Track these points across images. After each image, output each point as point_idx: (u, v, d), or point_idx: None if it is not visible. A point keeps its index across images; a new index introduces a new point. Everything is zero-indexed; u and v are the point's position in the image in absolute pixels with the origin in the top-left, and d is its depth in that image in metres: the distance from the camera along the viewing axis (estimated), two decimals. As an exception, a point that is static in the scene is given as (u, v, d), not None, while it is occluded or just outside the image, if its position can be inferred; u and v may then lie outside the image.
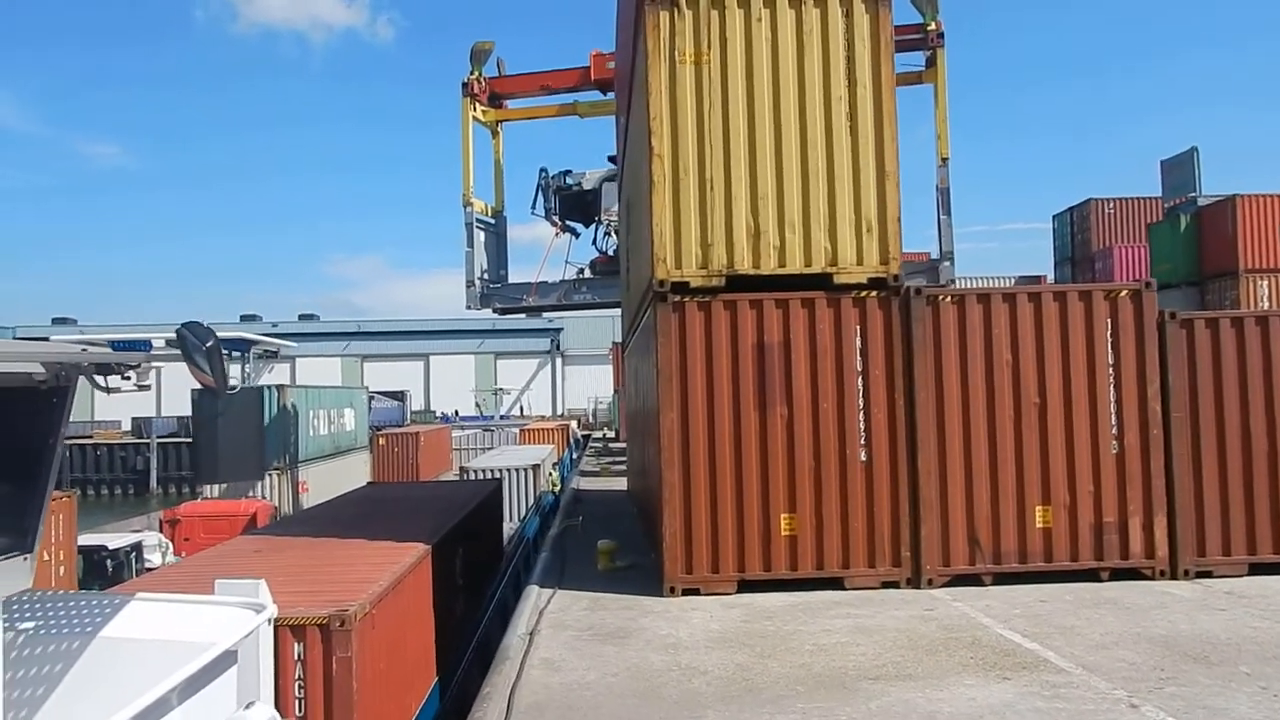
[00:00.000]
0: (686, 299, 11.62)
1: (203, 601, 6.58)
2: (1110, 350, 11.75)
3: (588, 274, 33.28)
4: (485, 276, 32.09)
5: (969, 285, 36.11)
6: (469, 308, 33.09)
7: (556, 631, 10.19)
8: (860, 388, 11.65)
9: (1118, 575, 11.60)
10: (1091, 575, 11.62)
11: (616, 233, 31.32)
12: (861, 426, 11.63)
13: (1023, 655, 8.81)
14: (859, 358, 11.67)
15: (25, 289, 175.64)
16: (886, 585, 11.51)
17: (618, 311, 31.30)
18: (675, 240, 11.65)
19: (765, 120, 11.69)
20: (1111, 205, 40.53)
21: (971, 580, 11.61)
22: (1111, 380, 11.73)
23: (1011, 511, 11.64)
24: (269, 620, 6.56)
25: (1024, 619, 10.10)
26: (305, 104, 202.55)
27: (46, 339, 7.29)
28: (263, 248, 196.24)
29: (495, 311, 34.92)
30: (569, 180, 33.26)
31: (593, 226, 33.37)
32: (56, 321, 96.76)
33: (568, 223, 33.78)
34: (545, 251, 34.13)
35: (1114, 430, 11.72)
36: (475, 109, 31.90)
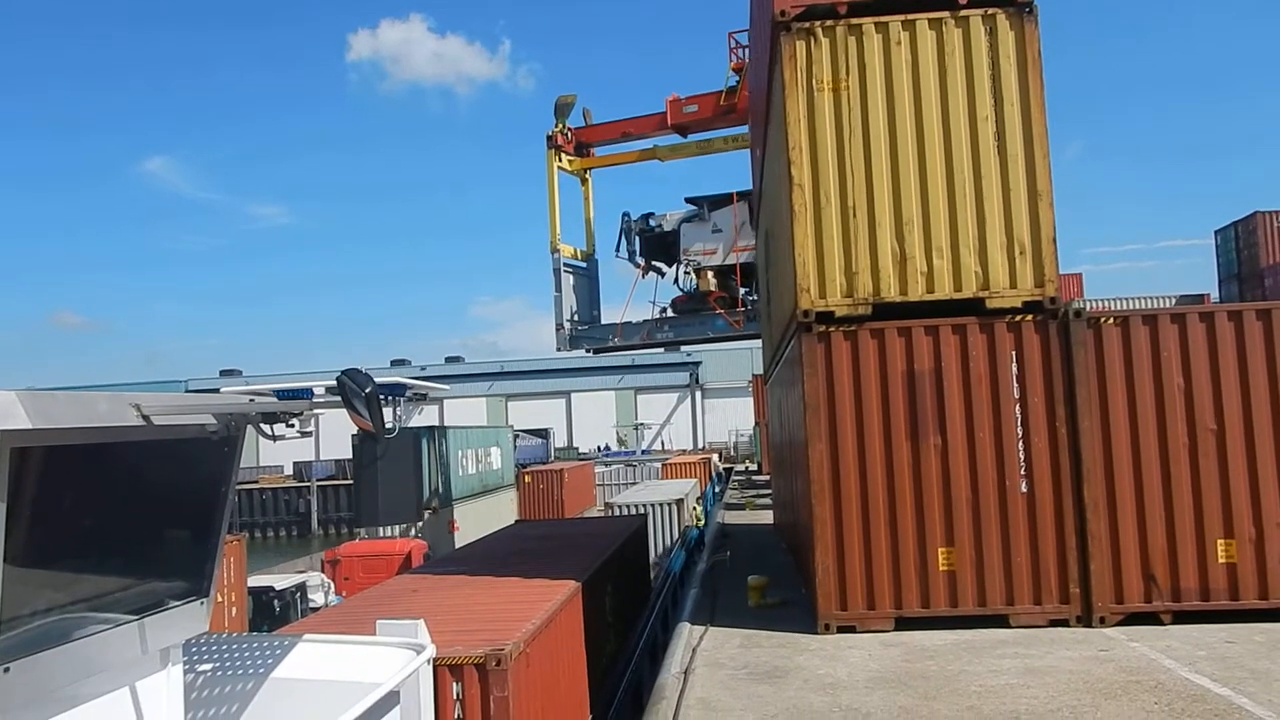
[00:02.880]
0: (832, 329, 11.40)
1: (366, 642, 6.73)
2: (1295, 370, 10.95)
3: (670, 313, 34.33)
4: (574, 319, 33.69)
5: (1126, 306, 34.49)
6: (559, 349, 34.89)
7: (711, 670, 10.04)
8: (1018, 415, 11.17)
9: (1314, 613, 10.72)
10: (1284, 614, 10.77)
11: (696, 272, 32.76)
12: (1021, 456, 11.14)
13: (1214, 701, 8.18)
14: (1016, 384, 11.20)
15: (196, 344, 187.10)
16: (1055, 623, 10.93)
17: (757, 343, 31.43)
18: (819, 269, 11.46)
19: (908, 144, 11.43)
20: (1281, 218, 38.07)
21: (1148, 619, 10.91)
22: (1298, 402, 10.91)
23: (1190, 546, 10.91)
24: (429, 660, 6.67)
25: (1211, 661, 9.41)
26: (450, 151, 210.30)
27: (217, 390, 7.65)
28: (411, 295, 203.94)
29: (588, 352, 36.83)
30: (651, 223, 34.43)
31: (674, 266, 34.32)
32: (224, 373, 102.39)
33: (653, 263, 34.89)
34: (629, 293, 35.59)
35: (1304, 456, 10.88)
36: (560, 159, 33.87)
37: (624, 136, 34.91)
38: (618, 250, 34.95)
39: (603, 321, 35.15)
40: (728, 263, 31.94)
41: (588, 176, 35.60)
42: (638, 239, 34.50)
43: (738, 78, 31.25)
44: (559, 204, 33.51)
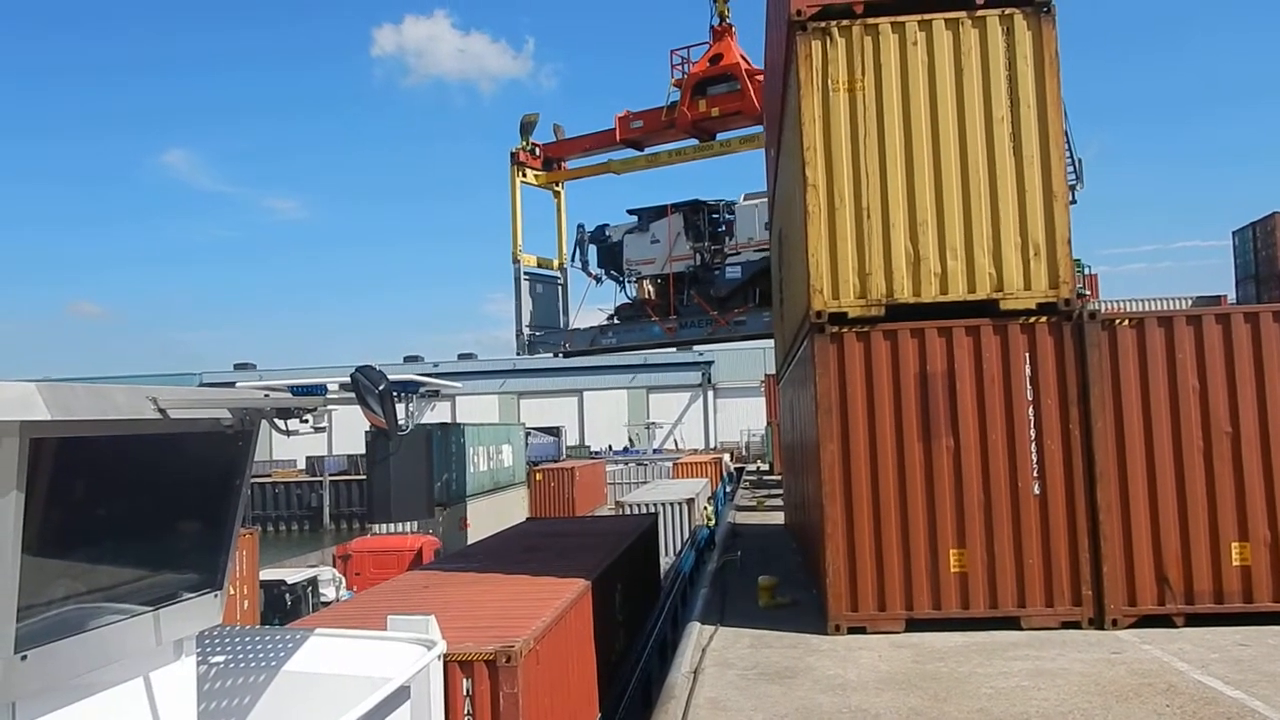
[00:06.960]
0: (845, 329, 11.38)
1: (377, 637, 6.77)
2: (1312, 373, 10.88)
3: (617, 320, 36.18)
4: (533, 325, 36.07)
5: (1141, 308, 34.36)
6: (518, 353, 37.81)
7: (721, 670, 10.04)
8: (1031, 418, 11.13)
9: (1329, 618, 10.66)
10: (1299, 618, 10.71)
11: (639, 282, 34.94)
12: (1034, 458, 11.09)
13: (1226, 704, 8.15)
14: (1029, 386, 11.16)
15: (210, 337, 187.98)
16: (1066, 625, 10.89)
17: (769, 343, 31.81)
18: (832, 270, 11.44)
19: (923, 145, 11.40)
20: (1301, 218, 37.68)
21: (1161, 621, 10.86)
22: (1315, 406, 10.84)
23: (1204, 548, 10.86)
24: (439, 656, 6.70)
25: (1224, 664, 9.37)
26: (469, 148, 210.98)
27: (231, 384, 7.70)
28: (425, 291, 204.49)
29: (556, 355, 39.56)
30: (605, 234, 36.25)
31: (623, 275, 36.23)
32: (238, 367, 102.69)
33: (609, 273, 36.60)
34: (580, 301, 37.90)
35: (1320, 460, 10.82)
36: (524, 174, 36.21)
37: (584, 151, 37.00)
38: (572, 260, 37.03)
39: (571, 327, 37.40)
40: (664, 272, 33.91)
41: (559, 189, 37.72)
42: (592, 249, 36.37)
43: (679, 93, 32.76)
44: (520, 216, 35.94)
